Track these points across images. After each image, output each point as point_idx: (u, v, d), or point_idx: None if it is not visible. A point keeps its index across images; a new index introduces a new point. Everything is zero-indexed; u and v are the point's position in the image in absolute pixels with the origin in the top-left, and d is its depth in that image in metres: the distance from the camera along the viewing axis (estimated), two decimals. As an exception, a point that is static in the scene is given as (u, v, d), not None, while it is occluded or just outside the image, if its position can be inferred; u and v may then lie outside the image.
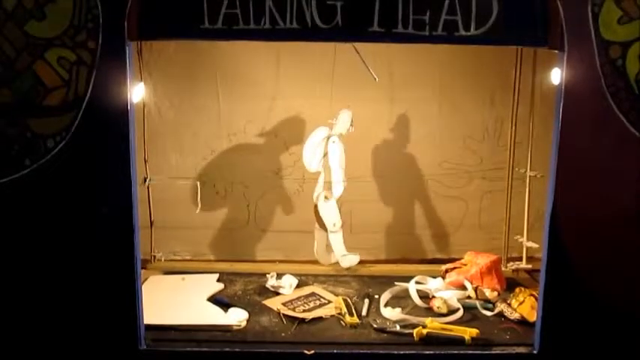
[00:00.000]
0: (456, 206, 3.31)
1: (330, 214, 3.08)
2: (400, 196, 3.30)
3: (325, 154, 3.03)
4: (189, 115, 3.18)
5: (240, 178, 3.23)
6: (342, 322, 2.62)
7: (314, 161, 3.03)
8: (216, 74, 3.14)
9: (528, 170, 3.08)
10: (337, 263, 3.15)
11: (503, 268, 3.06)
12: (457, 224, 3.32)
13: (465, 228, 3.31)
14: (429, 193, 3.30)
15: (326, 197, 3.07)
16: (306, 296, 2.85)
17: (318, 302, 2.79)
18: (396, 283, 2.90)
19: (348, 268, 3.12)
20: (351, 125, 3.01)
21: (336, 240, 3.10)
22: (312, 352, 2.36)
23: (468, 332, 2.47)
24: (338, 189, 3.05)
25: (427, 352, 2.40)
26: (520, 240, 3.11)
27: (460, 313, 2.67)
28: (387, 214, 3.31)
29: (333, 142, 3.02)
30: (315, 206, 3.11)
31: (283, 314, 2.65)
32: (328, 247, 3.15)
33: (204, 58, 3.11)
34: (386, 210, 3.31)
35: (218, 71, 3.14)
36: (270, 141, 3.22)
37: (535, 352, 2.39)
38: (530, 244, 3.05)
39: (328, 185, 3.07)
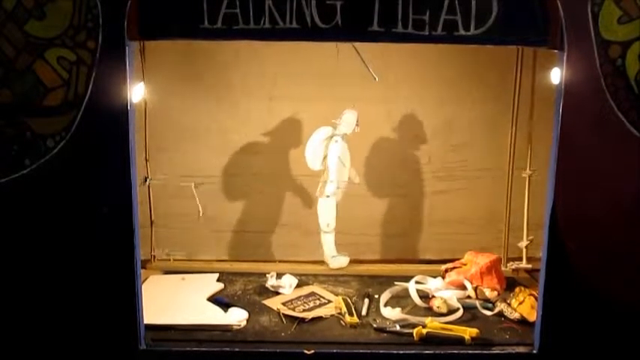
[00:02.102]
0: (455, 205, 3.31)
1: (327, 213, 3.08)
2: (398, 195, 3.30)
3: (327, 154, 3.04)
4: (190, 114, 3.18)
5: (241, 178, 3.23)
6: (341, 321, 2.62)
7: (316, 160, 3.04)
8: (217, 73, 3.14)
9: (528, 169, 3.08)
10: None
11: (503, 268, 3.05)
12: (456, 223, 3.32)
13: (464, 227, 3.31)
14: (424, 191, 3.30)
15: (327, 196, 3.07)
16: (306, 296, 2.85)
17: (317, 302, 2.79)
18: (395, 282, 2.90)
19: (340, 269, 3.12)
20: (357, 125, 3.02)
21: (328, 240, 3.10)
22: (312, 351, 2.36)
23: (468, 332, 2.47)
24: (330, 187, 3.04)
25: (427, 352, 2.40)
26: (520, 245, 3.12)
27: (460, 312, 2.67)
28: (385, 213, 3.31)
29: (336, 141, 3.02)
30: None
31: (283, 314, 2.65)
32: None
33: (205, 56, 3.11)
34: (384, 209, 3.31)
35: (220, 70, 3.14)
36: (271, 141, 3.22)
37: (535, 351, 2.39)
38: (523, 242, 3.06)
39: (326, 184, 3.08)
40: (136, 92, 2.43)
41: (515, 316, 2.64)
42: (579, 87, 2.19)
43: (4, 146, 2.20)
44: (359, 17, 2.18)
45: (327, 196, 3.06)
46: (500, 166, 3.19)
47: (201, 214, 3.17)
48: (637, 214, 2.28)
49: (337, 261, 3.12)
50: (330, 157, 3.03)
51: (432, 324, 2.52)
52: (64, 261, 2.28)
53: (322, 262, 3.16)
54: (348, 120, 3.01)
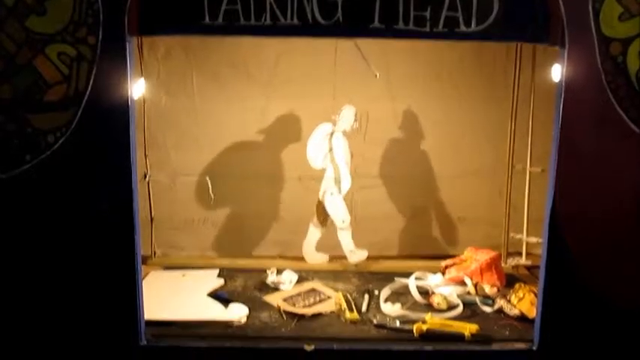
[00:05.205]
0: (454, 203, 3.31)
1: (338, 210, 3.08)
2: (398, 193, 3.31)
3: (329, 151, 3.03)
4: (190, 111, 3.18)
5: (241, 175, 3.23)
6: (342, 318, 2.62)
7: (318, 158, 3.04)
8: (218, 70, 3.14)
9: (528, 166, 3.08)
10: (325, 262, 3.16)
11: (502, 265, 3.06)
12: (456, 220, 3.33)
13: (466, 224, 3.32)
14: (424, 190, 3.30)
15: (332, 193, 3.07)
16: (306, 292, 2.85)
17: (318, 298, 2.80)
18: (395, 279, 2.91)
19: (356, 265, 3.13)
20: (355, 121, 3.01)
21: (345, 236, 3.10)
22: (312, 347, 2.36)
23: (468, 328, 2.48)
24: (345, 184, 3.04)
25: (427, 348, 2.40)
26: (518, 237, 3.12)
27: (460, 309, 2.68)
28: (385, 212, 3.31)
29: (337, 138, 3.02)
30: (319, 202, 3.11)
31: (283, 310, 2.66)
32: (318, 245, 3.16)
33: (206, 53, 3.11)
34: (385, 207, 3.31)
35: (220, 68, 3.14)
36: (271, 138, 3.22)
37: (534, 348, 2.40)
38: (532, 239, 3.05)
39: (332, 181, 3.07)
40: (137, 88, 2.43)
41: (515, 312, 2.64)
42: (580, 84, 2.19)
43: (4, 141, 2.20)
44: (360, 14, 2.18)
45: (331, 194, 3.06)
46: (500, 163, 3.20)
47: (212, 202, 3.19)
48: (637, 210, 2.29)
49: (356, 255, 3.12)
50: (334, 153, 3.03)
51: (432, 320, 2.53)
52: (64, 257, 2.28)
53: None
54: (346, 116, 3.01)
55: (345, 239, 3.10)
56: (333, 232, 3.13)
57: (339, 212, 3.08)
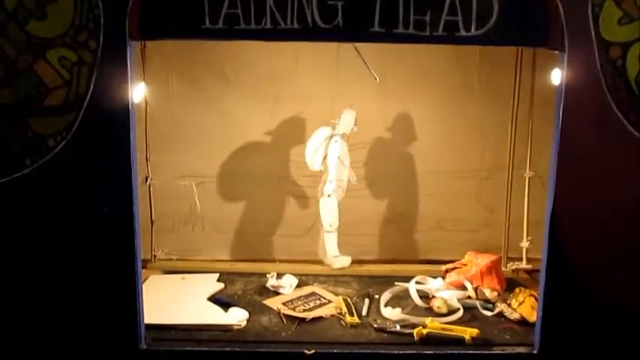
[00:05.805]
0: (454, 205, 3.31)
1: (329, 213, 3.08)
2: (398, 196, 3.30)
3: (327, 154, 3.04)
4: (191, 114, 3.18)
5: (242, 179, 3.23)
6: (342, 321, 2.62)
7: (316, 160, 3.04)
8: (219, 73, 3.15)
9: (527, 170, 3.09)
10: (348, 265, 3.15)
11: (503, 269, 3.06)
12: (455, 223, 3.32)
13: (464, 227, 3.31)
14: (424, 192, 3.30)
15: (329, 195, 3.07)
16: (307, 296, 2.85)
17: (318, 302, 2.80)
18: (396, 283, 2.91)
19: (341, 269, 3.12)
20: (355, 125, 3.02)
21: (330, 240, 3.10)
22: (313, 351, 2.36)
23: (468, 332, 2.48)
24: (330, 187, 3.04)
25: (427, 352, 2.40)
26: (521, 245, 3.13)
27: (460, 313, 2.68)
28: (385, 213, 3.31)
29: (335, 141, 3.03)
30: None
31: (283, 314, 2.66)
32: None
33: (207, 56, 3.11)
34: (384, 209, 3.31)
35: (221, 70, 3.14)
36: (272, 141, 3.22)
37: (535, 352, 2.39)
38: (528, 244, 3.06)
39: (328, 184, 3.07)
40: (137, 92, 2.43)
41: (516, 316, 2.64)
42: (580, 88, 2.19)
43: (5, 146, 2.20)
44: (360, 18, 2.18)
45: (328, 196, 3.07)
46: (499, 166, 3.19)
47: (198, 210, 3.18)
48: (637, 214, 2.29)
49: (340, 261, 3.12)
50: (330, 157, 3.04)
51: (433, 324, 2.53)
52: (64, 261, 2.28)
53: (322, 262, 3.17)
54: (346, 120, 3.02)
55: (330, 243, 3.10)
56: (342, 235, 3.13)
57: (329, 215, 3.08)
